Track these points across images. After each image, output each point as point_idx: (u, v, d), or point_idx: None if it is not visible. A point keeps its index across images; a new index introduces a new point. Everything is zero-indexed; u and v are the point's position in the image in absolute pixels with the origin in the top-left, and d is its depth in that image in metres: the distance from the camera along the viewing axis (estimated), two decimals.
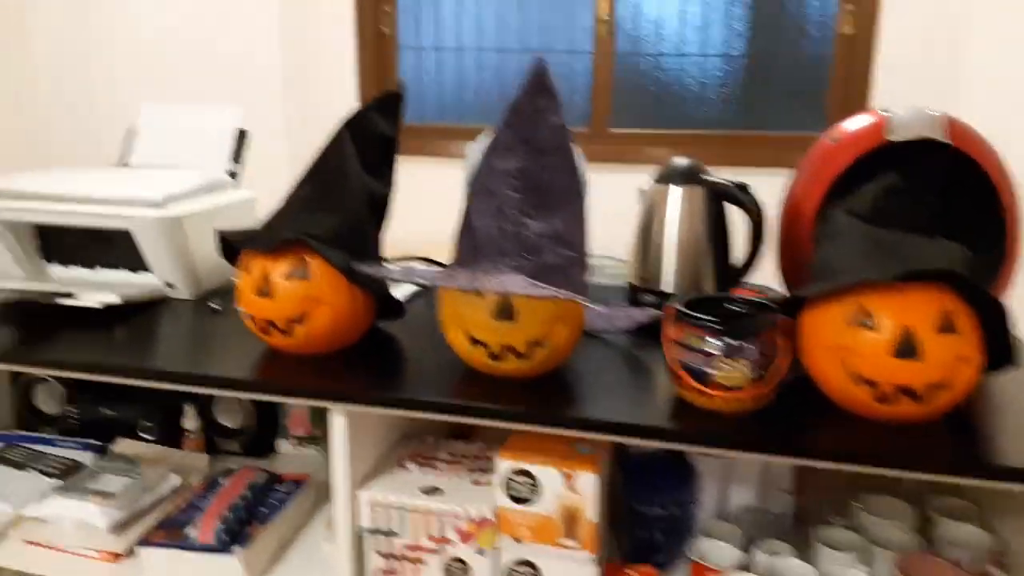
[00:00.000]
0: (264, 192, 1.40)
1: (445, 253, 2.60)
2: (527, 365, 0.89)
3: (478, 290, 0.80)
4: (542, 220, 0.88)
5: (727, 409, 0.82)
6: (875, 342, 0.77)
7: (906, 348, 0.76)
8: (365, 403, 0.89)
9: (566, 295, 0.80)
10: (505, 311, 0.85)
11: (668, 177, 1.09)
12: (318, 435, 1.30)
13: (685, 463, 1.05)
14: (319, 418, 1.29)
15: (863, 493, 1.05)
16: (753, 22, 2.68)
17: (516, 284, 0.81)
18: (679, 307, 0.84)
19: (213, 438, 1.29)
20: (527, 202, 0.88)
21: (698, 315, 0.81)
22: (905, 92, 2.49)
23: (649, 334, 1.07)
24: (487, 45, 2.88)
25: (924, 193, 0.88)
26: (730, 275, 1.09)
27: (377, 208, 1.00)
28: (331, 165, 0.96)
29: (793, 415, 0.83)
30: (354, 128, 0.98)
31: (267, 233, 0.93)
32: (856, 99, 2.56)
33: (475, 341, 0.89)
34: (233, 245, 1.01)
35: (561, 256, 0.88)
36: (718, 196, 1.07)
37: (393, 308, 1.05)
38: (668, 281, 1.11)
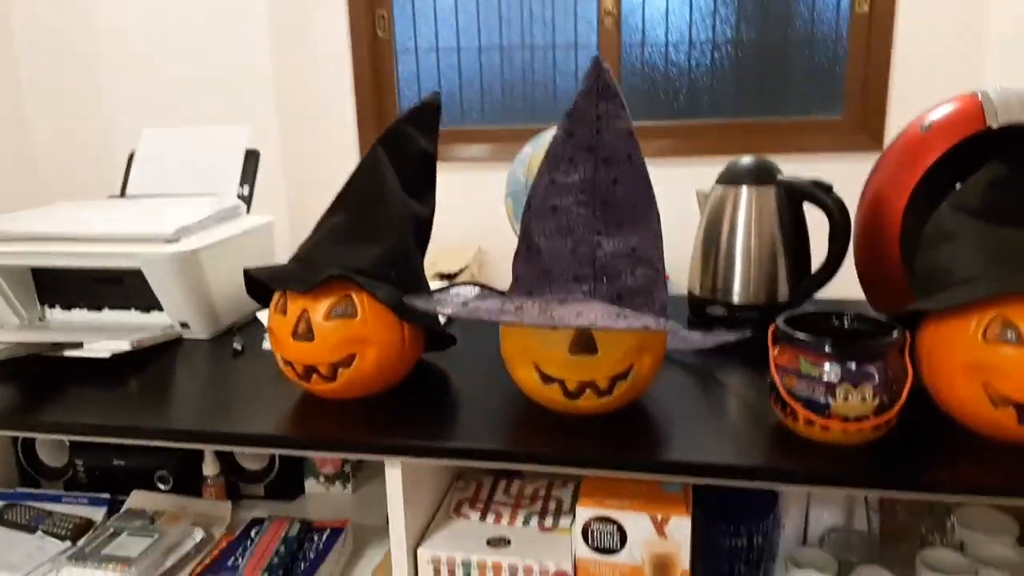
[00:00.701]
0: (261, 210, 1.28)
1: (453, 260, 2.51)
2: (607, 401, 0.79)
3: (556, 326, 0.70)
4: (616, 237, 0.78)
5: (846, 442, 0.72)
6: (1022, 359, 0.67)
7: None
8: (426, 455, 0.79)
9: (659, 325, 0.69)
10: (585, 344, 0.75)
11: (735, 177, 0.99)
12: (348, 471, 1.19)
13: None
14: None
15: (957, 506, 0.96)
16: (763, 5, 2.58)
17: (600, 315, 0.71)
18: (785, 327, 0.73)
19: (235, 482, 1.19)
20: (597, 218, 0.78)
21: (812, 337, 0.71)
22: (926, 70, 2.41)
23: (725, 351, 0.97)
24: (489, 43, 2.77)
25: None
26: (808, 284, 0.99)
27: (421, 233, 0.89)
28: (369, 189, 0.84)
29: (920, 444, 0.74)
30: (390, 146, 0.86)
31: (305, 269, 0.81)
32: (875, 80, 2.47)
33: (548, 378, 0.78)
34: (264, 284, 0.90)
35: (641, 276, 0.78)
36: (793, 197, 0.97)
37: (443, 340, 0.94)
38: (737, 291, 1.01)
